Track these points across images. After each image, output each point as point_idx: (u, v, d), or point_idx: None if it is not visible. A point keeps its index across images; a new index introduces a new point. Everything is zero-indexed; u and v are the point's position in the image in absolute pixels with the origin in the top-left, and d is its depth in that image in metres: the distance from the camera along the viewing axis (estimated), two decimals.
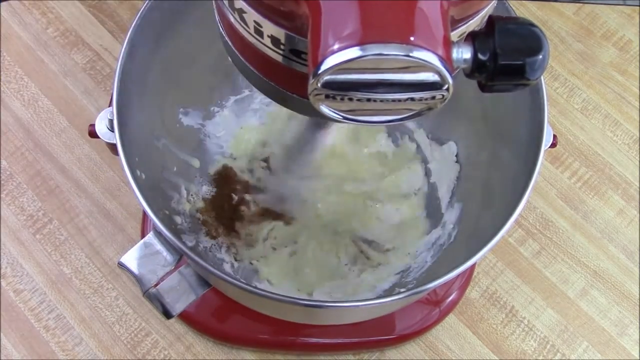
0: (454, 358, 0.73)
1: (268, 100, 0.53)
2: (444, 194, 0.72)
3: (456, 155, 0.72)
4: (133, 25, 0.55)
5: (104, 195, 0.78)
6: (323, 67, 0.31)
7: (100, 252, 0.76)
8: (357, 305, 0.49)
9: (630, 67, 0.88)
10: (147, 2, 0.56)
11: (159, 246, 0.50)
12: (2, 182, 0.78)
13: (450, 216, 0.69)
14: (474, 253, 0.49)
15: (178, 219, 0.68)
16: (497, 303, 0.76)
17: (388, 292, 0.68)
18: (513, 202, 0.51)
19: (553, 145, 0.54)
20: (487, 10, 0.37)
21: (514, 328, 0.75)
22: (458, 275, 0.54)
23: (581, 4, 0.91)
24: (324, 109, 0.35)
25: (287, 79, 0.40)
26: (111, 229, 0.77)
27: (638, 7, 0.91)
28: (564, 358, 0.74)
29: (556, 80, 0.87)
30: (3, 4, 0.85)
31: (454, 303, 0.72)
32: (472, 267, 0.72)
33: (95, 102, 0.81)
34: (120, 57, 0.54)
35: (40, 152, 0.79)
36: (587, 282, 0.77)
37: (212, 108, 0.74)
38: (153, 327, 0.73)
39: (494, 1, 0.38)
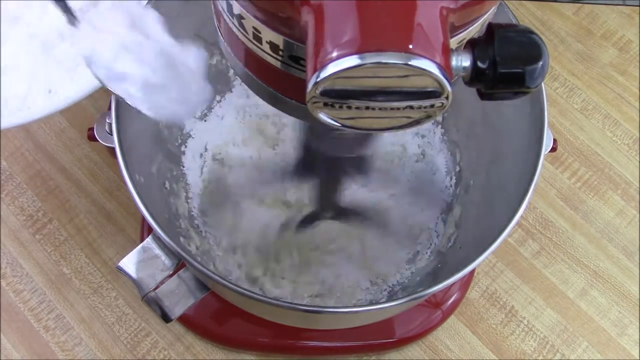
0: (453, 358, 0.73)
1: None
2: (444, 197, 0.72)
3: (457, 159, 0.72)
4: None
5: (104, 195, 0.78)
6: (321, 75, 0.31)
7: (100, 252, 0.76)
8: (357, 311, 0.49)
9: (630, 67, 0.88)
10: (146, 5, 0.56)
11: (157, 250, 0.50)
12: (2, 182, 0.78)
13: (451, 219, 0.69)
14: (474, 257, 0.49)
15: (177, 223, 0.68)
16: (496, 303, 0.76)
17: (388, 297, 0.68)
18: (513, 206, 0.51)
19: (553, 149, 0.54)
20: (487, 16, 0.37)
21: (514, 328, 0.75)
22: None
23: (581, 4, 0.91)
24: (323, 117, 0.35)
25: (285, 84, 0.40)
26: (111, 229, 0.77)
27: (638, 7, 0.91)
28: (563, 358, 0.74)
29: (556, 80, 0.87)
30: None
31: (455, 305, 0.72)
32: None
33: (95, 102, 0.81)
34: None
35: (40, 152, 0.79)
36: (587, 282, 0.77)
37: (211, 112, 0.74)
38: (153, 327, 0.73)
39: (494, 7, 0.37)
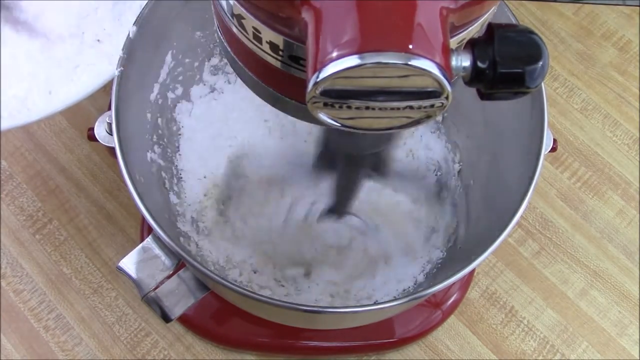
0: (453, 358, 0.73)
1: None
2: (444, 197, 0.72)
3: (457, 159, 0.72)
4: (132, 28, 0.55)
5: (104, 196, 0.78)
6: (321, 75, 0.31)
7: (100, 252, 0.76)
8: (357, 311, 0.49)
9: (630, 67, 0.88)
10: (146, 5, 0.56)
11: (157, 250, 0.50)
12: (2, 182, 0.78)
13: (451, 220, 0.69)
14: (474, 257, 0.49)
15: (178, 223, 0.68)
16: (496, 303, 0.76)
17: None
18: (513, 206, 0.51)
19: (553, 149, 0.54)
20: (487, 16, 0.37)
21: (514, 328, 0.75)
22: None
23: (581, 4, 0.91)
24: (323, 117, 0.35)
25: (285, 84, 0.40)
26: (111, 229, 0.77)
27: (638, 7, 0.91)
28: (563, 358, 0.74)
29: (556, 80, 0.87)
30: None
31: (455, 305, 0.72)
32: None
33: (95, 102, 0.81)
34: (119, 60, 0.54)
35: (40, 152, 0.79)
36: (586, 282, 0.77)
37: (210, 111, 0.74)
38: (153, 327, 0.73)
39: (494, 7, 0.37)
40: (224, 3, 0.38)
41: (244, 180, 0.72)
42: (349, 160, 0.63)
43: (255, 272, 0.69)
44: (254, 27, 0.37)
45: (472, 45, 0.35)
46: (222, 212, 0.71)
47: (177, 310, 0.53)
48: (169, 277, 0.52)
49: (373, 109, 0.34)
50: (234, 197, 0.72)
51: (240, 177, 0.72)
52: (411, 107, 0.34)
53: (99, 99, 0.81)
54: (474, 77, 0.35)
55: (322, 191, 0.71)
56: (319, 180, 0.71)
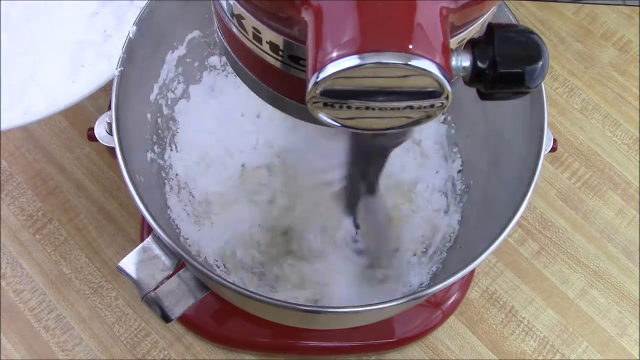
0: (453, 358, 0.73)
1: None
2: (444, 196, 0.72)
3: (458, 159, 0.72)
4: (132, 28, 0.55)
5: (104, 196, 0.78)
6: (321, 75, 0.31)
7: (100, 252, 0.76)
8: (357, 311, 0.49)
9: (630, 67, 0.88)
10: (146, 5, 0.56)
11: (157, 250, 0.50)
12: (2, 182, 0.78)
13: (451, 219, 0.69)
14: (474, 257, 0.49)
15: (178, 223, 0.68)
16: (496, 303, 0.76)
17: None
18: (513, 207, 0.51)
19: (553, 149, 0.54)
20: (487, 16, 0.37)
21: (514, 328, 0.75)
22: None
23: (581, 4, 0.91)
24: (323, 117, 0.35)
25: (285, 84, 0.40)
26: (111, 229, 0.77)
27: (638, 7, 0.91)
28: (563, 358, 0.74)
29: (556, 80, 0.87)
30: None
31: (455, 305, 0.72)
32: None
33: (95, 102, 0.81)
34: (119, 60, 0.54)
35: (40, 152, 0.79)
36: (586, 282, 0.77)
37: (209, 112, 0.74)
38: (153, 327, 0.73)
39: (494, 7, 0.37)
40: (224, 3, 0.38)
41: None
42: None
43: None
44: (254, 27, 0.37)
45: (472, 45, 0.35)
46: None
47: (177, 310, 0.53)
48: (169, 277, 0.52)
49: (373, 109, 0.34)
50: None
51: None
52: (411, 107, 0.34)
53: (99, 99, 0.81)
54: (474, 77, 0.35)
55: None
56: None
